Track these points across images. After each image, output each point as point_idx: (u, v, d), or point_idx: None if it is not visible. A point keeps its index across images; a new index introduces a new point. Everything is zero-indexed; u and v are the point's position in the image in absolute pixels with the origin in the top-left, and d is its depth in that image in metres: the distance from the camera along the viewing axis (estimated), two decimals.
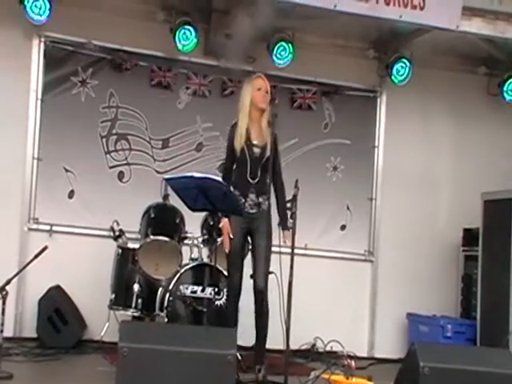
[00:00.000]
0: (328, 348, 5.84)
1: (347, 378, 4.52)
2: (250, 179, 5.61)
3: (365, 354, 7.59)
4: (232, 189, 5.57)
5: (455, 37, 7.18)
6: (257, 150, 5.62)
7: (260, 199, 5.61)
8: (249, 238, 5.68)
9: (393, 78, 7.74)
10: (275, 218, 5.69)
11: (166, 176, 5.57)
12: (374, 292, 7.86)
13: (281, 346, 5.24)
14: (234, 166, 5.71)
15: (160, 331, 4.32)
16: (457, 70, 8.20)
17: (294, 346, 6.73)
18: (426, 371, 4.35)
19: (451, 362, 4.47)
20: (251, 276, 5.56)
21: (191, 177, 5.23)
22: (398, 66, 7.70)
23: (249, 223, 5.60)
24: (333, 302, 7.55)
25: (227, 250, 5.57)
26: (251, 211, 5.59)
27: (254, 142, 5.63)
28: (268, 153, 5.61)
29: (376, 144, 8.02)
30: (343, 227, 7.85)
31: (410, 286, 7.76)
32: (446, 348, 4.91)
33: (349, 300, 7.69)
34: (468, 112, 8.27)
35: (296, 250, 7.08)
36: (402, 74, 7.73)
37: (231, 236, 5.52)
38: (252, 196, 5.60)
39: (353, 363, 4.58)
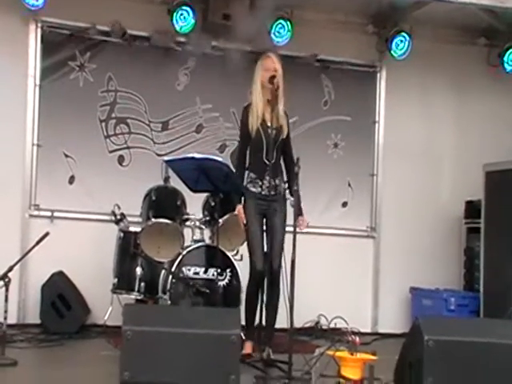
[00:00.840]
0: (332, 325, 5.86)
1: (352, 354, 4.52)
2: (266, 161, 5.52)
3: (369, 330, 7.62)
4: (248, 172, 5.56)
5: (454, 8, 7.14)
6: (272, 132, 5.52)
7: (276, 181, 5.56)
8: (264, 220, 5.62)
9: (392, 52, 7.70)
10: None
11: (167, 158, 5.58)
12: (376, 268, 7.87)
13: (285, 325, 5.23)
14: (249, 149, 5.62)
15: (163, 313, 4.31)
16: (457, 42, 8.14)
17: (297, 324, 6.69)
18: (431, 344, 4.33)
19: (456, 335, 4.45)
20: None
21: (192, 158, 5.23)
22: (397, 40, 7.67)
23: (267, 206, 5.55)
24: (336, 278, 7.56)
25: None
26: (269, 194, 5.54)
27: (269, 124, 5.53)
28: (284, 134, 5.59)
29: (376, 119, 8.00)
30: (345, 204, 7.84)
31: (413, 261, 7.78)
32: (450, 320, 4.92)
33: (352, 276, 7.69)
34: (469, 84, 8.23)
35: (298, 229, 7.22)
36: (402, 48, 7.69)
37: (244, 222, 5.48)
38: (269, 178, 5.52)
39: (357, 339, 4.58)
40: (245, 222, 5.50)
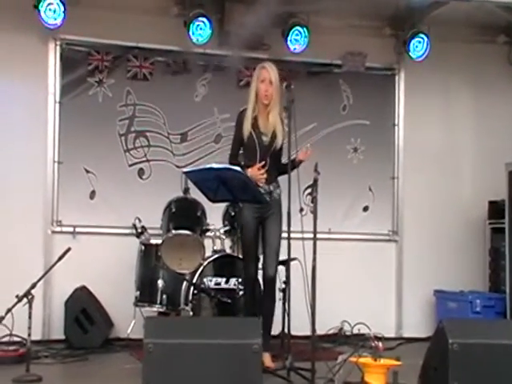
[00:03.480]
0: (355, 331, 5.84)
1: (375, 360, 4.50)
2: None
3: (393, 335, 7.58)
4: None
5: (472, 7, 7.09)
6: (265, 139, 5.60)
7: (271, 187, 5.60)
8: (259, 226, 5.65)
9: (410, 54, 7.67)
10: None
11: (185, 169, 5.59)
12: (399, 271, 7.82)
13: (308, 332, 5.22)
14: (243, 154, 5.67)
15: (184, 325, 4.31)
16: (476, 41, 8.06)
17: (321, 330, 6.73)
18: (456, 347, 4.29)
19: (480, 337, 4.40)
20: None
21: (210, 168, 5.25)
22: (415, 42, 7.63)
23: (261, 212, 5.58)
24: (359, 284, 7.52)
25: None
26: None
27: (262, 130, 5.61)
28: (279, 143, 5.60)
29: (396, 122, 7.96)
30: (366, 208, 7.81)
31: (437, 263, 7.72)
32: (475, 323, 4.85)
33: (375, 281, 7.65)
34: (490, 83, 8.15)
35: (319, 235, 7.14)
36: (420, 50, 7.65)
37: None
38: (262, 185, 5.55)
39: (380, 344, 4.55)
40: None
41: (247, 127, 5.58)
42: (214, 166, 5.14)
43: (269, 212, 5.58)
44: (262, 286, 5.70)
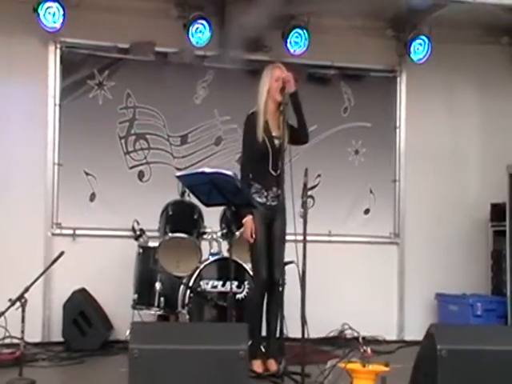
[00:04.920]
0: (356, 334, 5.81)
1: (364, 366, 4.47)
2: (272, 172, 5.55)
3: (395, 338, 7.57)
4: (252, 183, 5.55)
5: (474, 8, 7.01)
6: (277, 142, 5.56)
7: (279, 191, 5.56)
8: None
9: (411, 56, 7.62)
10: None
11: (178, 173, 5.56)
12: (401, 274, 7.79)
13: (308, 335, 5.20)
14: (254, 159, 5.61)
15: (171, 330, 4.31)
16: (479, 42, 7.99)
17: (321, 333, 6.79)
18: (444, 354, 4.26)
19: (470, 343, 4.36)
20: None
21: (202, 172, 5.22)
22: (416, 44, 7.59)
23: (271, 216, 5.56)
24: (360, 286, 7.51)
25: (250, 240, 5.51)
26: (273, 204, 5.56)
27: (274, 134, 5.58)
28: (286, 144, 5.55)
29: (397, 124, 7.93)
30: (367, 211, 7.78)
31: (439, 266, 7.67)
32: (465, 328, 4.79)
33: (376, 283, 7.62)
34: (494, 85, 8.10)
35: (320, 237, 7.27)
36: (421, 52, 7.62)
37: (253, 235, 5.48)
38: (274, 189, 5.55)
39: (369, 350, 4.52)
40: (251, 234, 5.47)
41: (260, 133, 5.54)
42: (206, 170, 5.13)
43: (276, 216, 5.56)
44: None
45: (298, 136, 5.58)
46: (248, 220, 5.48)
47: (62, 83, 7.12)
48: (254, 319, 5.49)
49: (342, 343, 6.63)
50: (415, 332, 7.48)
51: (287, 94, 5.50)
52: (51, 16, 6.70)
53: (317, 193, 7.32)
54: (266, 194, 5.55)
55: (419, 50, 7.61)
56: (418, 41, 7.59)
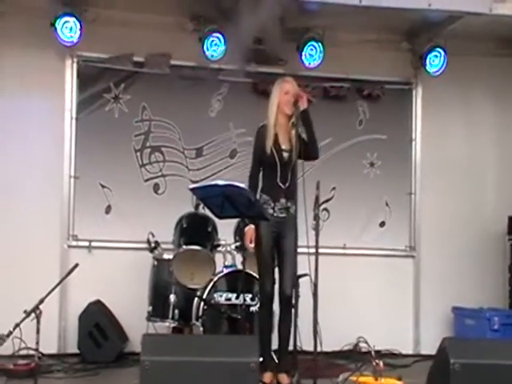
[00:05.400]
0: (371, 347, 5.77)
1: (376, 379, 4.46)
2: (280, 184, 5.56)
3: (411, 351, 7.51)
4: (260, 194, 5.57)
5: (490, 21, 7.01)
6: (286, 155, 5.57)
7: (289, 203, 5.54)
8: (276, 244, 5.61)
9: (427, 68, 7.60)
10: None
11: (191, 186, 5.58)
12: (417, 287, 7.74)
13: (322, 348, 5.18)
14: (262, 170, 5.64)
15: (182, 343, 4.33)
16: (495, 54, 7.96)
17: (336, 346, 6.76)
18: (457, 368, 4.24)
19: (483, 357, 4.34)
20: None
21: (215, 185, 5.24)
22: (431, 56, 7.57)
23: (278, 228, 5.54)
24: (376, 300, 7.48)
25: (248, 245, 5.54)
26: (280, 215, 5.54)
27: (283, 147, 5.59)
28: (295, 157, 5.56)
29: (413, 137, 7.91)
30: (382, 224, 7.76)
31: (455, 279, 7.64)
32: (478, 342, 4.77)
33: (392, 297, 7.58)
34: (510, 97, 8.07)
35: (334, 250, 7.24)
36: (437, 65, 7.59)
37: (251, 244, 5.49)
38: (282, 201, 5.54)
39: (381, 363, 4.50)
40: (250, 243, 5.50)
41: (269, 145, 5.56)
42: (219, 182, 5.15)
43: (285, 229, 5.52)
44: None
45: (308, 152, 5.59)
46: (249, 228, 5.51)
47: (78, 97, 7.20)
48: (261, 332, 5.48)
49: (356, 357, 6.58)
50: (431, 346, 7.36)
51: (298, 111, 5.51)
52: (68, 30, 6.79)
53: (332, 206, 7.33)
54: (273, 205, 5.54)
55: (435, 62, 7.60)
56: (434, 53, 7.57)
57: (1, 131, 6.99)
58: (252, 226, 5.51)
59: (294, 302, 5.59)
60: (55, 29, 6.75)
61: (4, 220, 6.90)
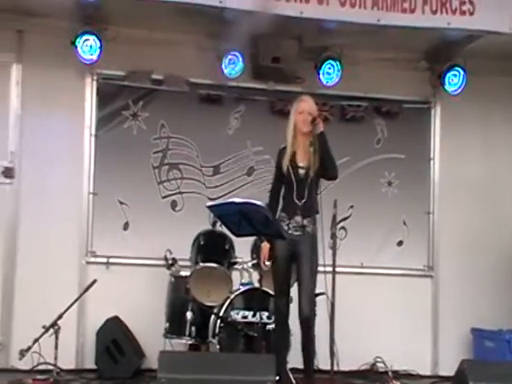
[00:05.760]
0: (389, 367, 5.75)
1: None
2: (296, 200, 5.57)
3: (429, 373, 7.43)
4: (280, 212, 5.58)
5: (510, 40, 6.98)
6: (302, 172, 5.59)
7: (305, 221, 5.52)
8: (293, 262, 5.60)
9: (446, 87, 7.59)
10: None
11: (208, 203, 5.60)
12: (435, 308, 7.68)
13: (339, 367, 5.16)
14: (283, 189, 5.68)
15: (198, 360, 4.34)
16: None
17: (353, 366, 6.73)
18: None
19: (503, 381, 4.31)
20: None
21: (232, 202, 5.27)
22: (450, 75, 7.55)
23: (293, 246, 5.52)
24: (393, 319, 7.41)
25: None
26: (295, 233, 5.53)
27: (300, 164, 5.61)
28: (312, 174, 5.58)
29: (431, 156, 7.89)
30: (400, 243, 7.72)
31: (474, 300, 7.57)
32: (498, 365, 4.75)
33: (410, 317, 7.51)
34: None
35: (352, 269, 7.24)
36: (456, 83, 7.57)
37: (266, 263, 5.51)
38: (298, 218, 5.54)
39: None
40: (264, 260, 5.55)
41: (286, 163, 5.61)
42: (236, 200, 5.17)
43: (300, 248, 5.50)
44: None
45: (327, 172, 5.60)
46: (264, 246, 5.55)
47: (97, 114, 7.26)
48: (277, 350, 5.45)
49: (373, 377, 6.57)
50: (450, 367, 7.31)
51: (315, 134, 5.53)
52: (88, 48, 6.85)
53: (349, 224, 7.33)
54: (287, 222, 5.56)
55: (454, 81, 7.58)
56: (453, 72, 7.55)
57: (22, 148, 7.04)
58: (267, 244, 5.52)
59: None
60: (76, 47, 6.82)
61: (23, 236, 6.95)
